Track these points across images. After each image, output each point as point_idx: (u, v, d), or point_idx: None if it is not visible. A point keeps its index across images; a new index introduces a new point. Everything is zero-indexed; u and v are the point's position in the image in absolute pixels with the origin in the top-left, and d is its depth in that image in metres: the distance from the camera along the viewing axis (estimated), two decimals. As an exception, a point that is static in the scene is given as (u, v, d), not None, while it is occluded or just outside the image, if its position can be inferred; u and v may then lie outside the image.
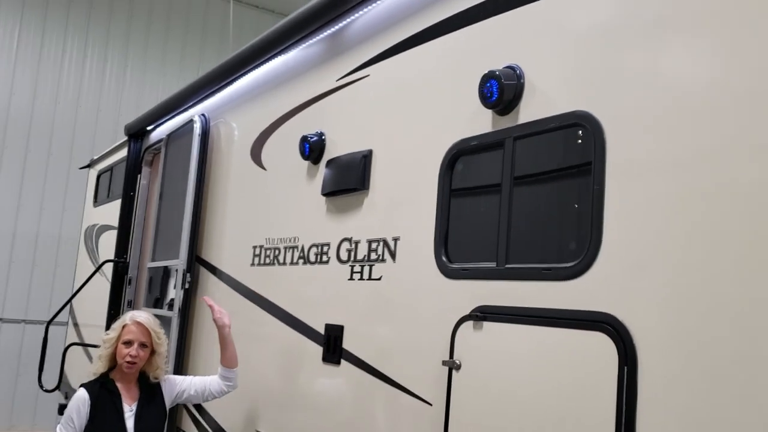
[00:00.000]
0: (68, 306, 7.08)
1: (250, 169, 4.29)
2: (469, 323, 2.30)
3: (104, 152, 8.03)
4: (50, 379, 6.86)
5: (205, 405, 4.27)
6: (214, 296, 4.51)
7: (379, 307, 2.93)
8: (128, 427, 3.46)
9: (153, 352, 3.60)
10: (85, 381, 3.64)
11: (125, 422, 3.46)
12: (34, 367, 9.88)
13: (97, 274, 6.64)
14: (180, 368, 4.64)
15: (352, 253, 3.16)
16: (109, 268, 6.50)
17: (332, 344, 3.18)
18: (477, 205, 2.54)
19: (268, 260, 3.91)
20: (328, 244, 3.36)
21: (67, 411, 3.48)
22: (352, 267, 3.14)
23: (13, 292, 10.03)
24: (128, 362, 3.48)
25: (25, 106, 10.36)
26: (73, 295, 6.49)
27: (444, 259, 2.55)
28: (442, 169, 2.62)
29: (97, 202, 7.94)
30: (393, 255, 2.87)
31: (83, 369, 7.08)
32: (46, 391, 6.78)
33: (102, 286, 6.70)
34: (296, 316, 3.55)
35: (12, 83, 10.31)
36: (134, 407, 3.53)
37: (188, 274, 4.69)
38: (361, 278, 3.06)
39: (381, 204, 3.03)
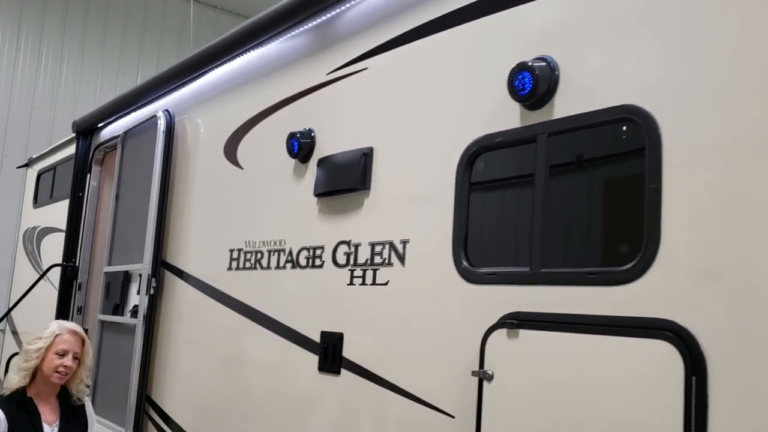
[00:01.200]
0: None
1: (223, 168, 4.04)
2: (502, 331, 2.17)
3: (45, 150, 7.57)
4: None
5: (182, 424, 4.00)
6: (183, 302, 4.26)
7: (386, 314, 2.76)
8: None
9: (79, 364, 3.37)
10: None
11: None
12: (-37, 379, 9.28)
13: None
14: (146, 379, 4.36)
15: (352, 257, 2.98)
16: (54, 273, 6.10)
17: (330, 353, 2.99)
18: (503, 206, 2.42)
19: (248, 264, 3.68)
20: (321, 247, 3.17)
21: None
22: (352, 271, 2.97)
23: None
24: (59, 373, 3.25)
25: (-48, 101, 9.74)
26: (19, 300, 6.06)
27: (465, 263, 2.41)
28: (460, 168, 2.48)
29: (37, 203, 7.47)
30: (402, 258, 2.71)
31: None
32: (-14, 405, 6.31)
33: (46, 291, 6.29)
34: (284, 323, 3.34)
35: (-62, 76, 9.67)
36: (55, 427, 3.29)
37: (153, 279, 4.41)
38: (363, 283, 2.89)
39: (385, 205, 2.87)
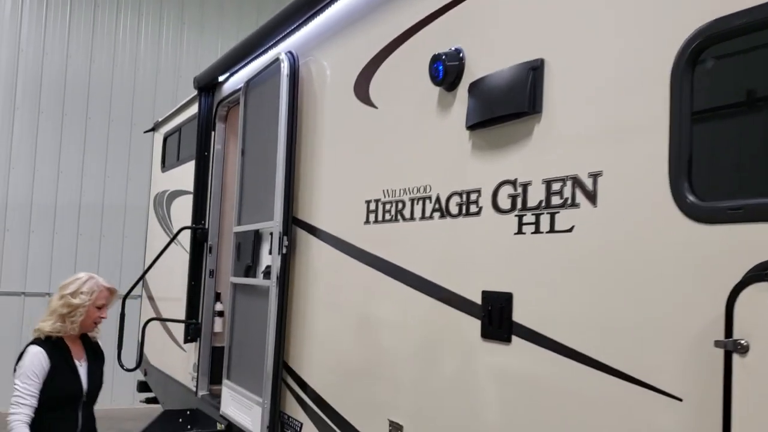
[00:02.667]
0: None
1: (354, 110, 3.58)
2: (761, 286, 1.56)
3: (169, 113, 7.45)
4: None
5: (321, 393, 3.64)
6: (317, 261, 3.87)
7: (572, 268, 2.20)
8: (83, 381, 3.76)
9: None
10: (36, 341, 3.72)
11: (80, 377, 3.74)
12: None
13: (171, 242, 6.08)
14: (281, 346, 4.03)
15: (519, 200, 2.43)
16: (185, 237, 5.94)
17: (496, 316, 2.47)
18: (748, 115, 1.78)
19: (388, 216, 3.21)
20: (477, 191, 2.64)
21: (26, 367, 3.57)
22: (521, 217, 2.42)
23: (81, 265, 9.68)
24: (96, 323, 3.87)
25: (82, 70, 9.90)
26: (151, 265, 5.96)
27: (691, 197, 1.80)
28: (677, 70, 1.86)
29: (165, 166, 7.38)
30: (592, 197, 2.13)
31: (161, 344, 6.63)
32: (127, 370, 6.31)
33: (177, 255, 6.16)
34: (433, 281, 2.86)
35: (67, 47, 9.83)
36: (83, 363, 3.80)
37: (285, 237, 4.05)
38: (537, 231, 2.34)
39: (564, 130, 2.28)
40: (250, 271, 4.51)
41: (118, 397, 9.65)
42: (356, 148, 3.58)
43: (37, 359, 3.57)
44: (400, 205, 3.13)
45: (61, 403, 3.64)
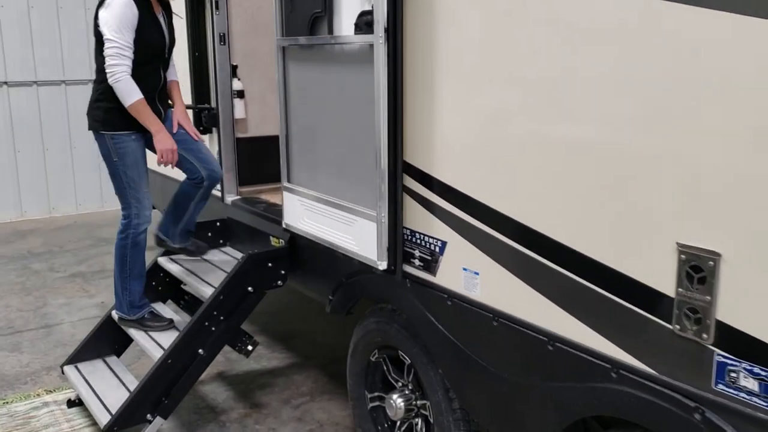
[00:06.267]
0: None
1: None
2: None
3: None
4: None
5: (490, 203, 2.34)
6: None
7: None
8: (165, 34, 3.51)
9: None
10: None
11: (163, 30, 3.49)
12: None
13: None
14: (397, 135, 2.70)
15: None
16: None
17: None
18: None
19: None
20: None
21: (119, 18, 3.25)
22: None
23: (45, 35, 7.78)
24: None
25: None
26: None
27: None
28: None
29: None
30: None
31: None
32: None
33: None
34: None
35: None
36: (161, 17, 3.49)
37: (393, -38, 2.54)
38: None
39: None
40: (317, 25, 3.01)
41: (84, 201, 8.24)
42: None
43: (130, 10, 3.28)
44: None
45: (149, 56, 3.42)
